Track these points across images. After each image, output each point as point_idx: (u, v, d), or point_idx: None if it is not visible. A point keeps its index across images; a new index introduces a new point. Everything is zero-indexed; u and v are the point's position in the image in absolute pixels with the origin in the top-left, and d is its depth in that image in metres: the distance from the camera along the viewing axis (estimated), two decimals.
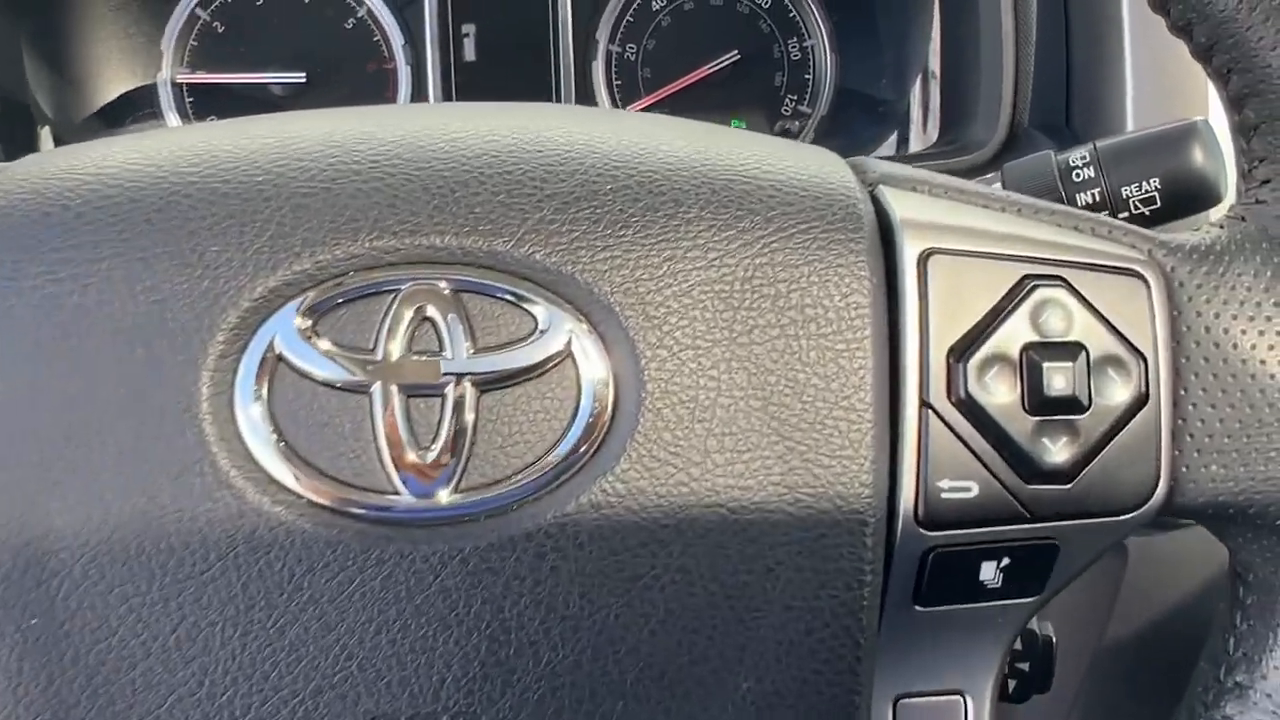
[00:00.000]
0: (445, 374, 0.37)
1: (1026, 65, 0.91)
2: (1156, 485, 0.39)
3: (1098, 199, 0.50)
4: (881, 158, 1.18)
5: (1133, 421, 0.38)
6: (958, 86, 1.09)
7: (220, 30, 1.21)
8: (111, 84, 1.21)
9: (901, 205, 0.39)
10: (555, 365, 0.37)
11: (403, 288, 0.38)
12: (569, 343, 0.37)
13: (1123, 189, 0.49)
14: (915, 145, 1.19)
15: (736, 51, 1.25)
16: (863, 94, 1.27)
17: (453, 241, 0.38)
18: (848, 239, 0.38)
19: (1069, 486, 0.38)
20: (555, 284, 0.38)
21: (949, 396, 0.37)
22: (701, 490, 0.36)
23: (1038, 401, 0.37)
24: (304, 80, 1.22)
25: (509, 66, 1.25)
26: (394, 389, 0.37)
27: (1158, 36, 0.46)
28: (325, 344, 0.38)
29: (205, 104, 1.21)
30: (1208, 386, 0.38)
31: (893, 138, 1.25)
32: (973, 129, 1.04)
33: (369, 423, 0.36)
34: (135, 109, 1.21)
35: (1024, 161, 0.55)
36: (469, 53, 1.25)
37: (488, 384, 0.37)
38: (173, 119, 1.21)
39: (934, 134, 1.16)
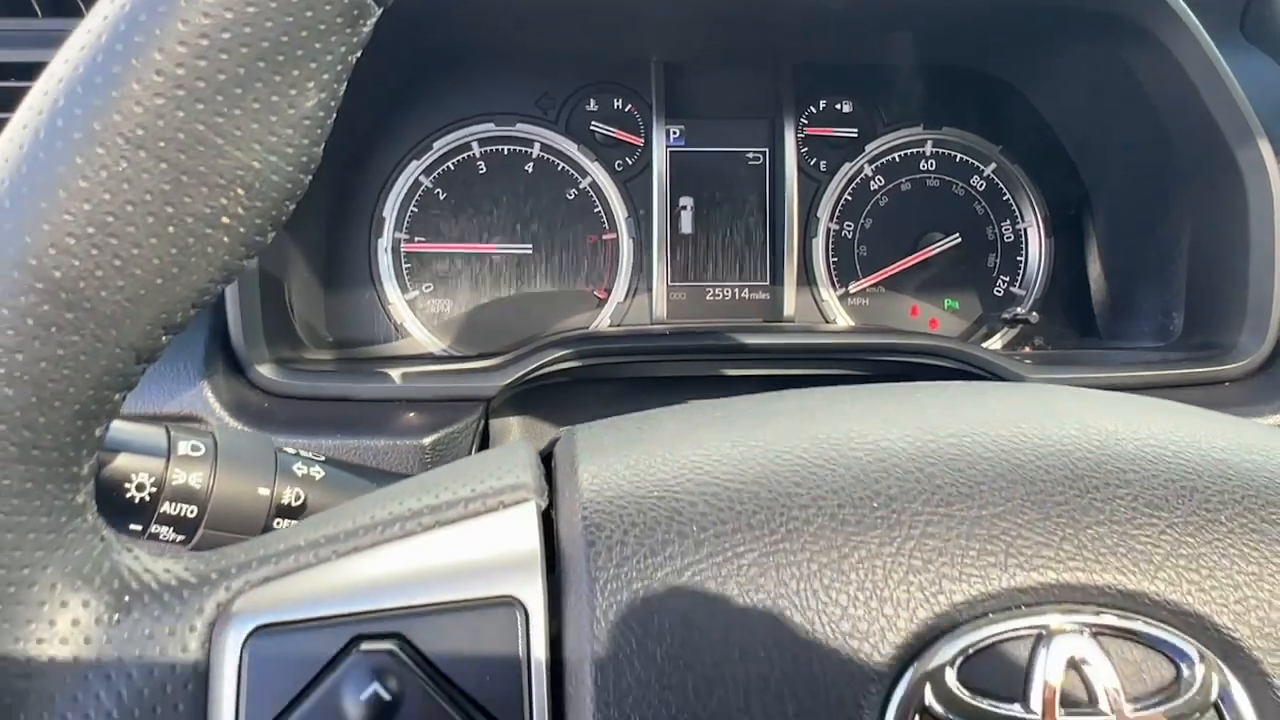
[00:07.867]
0: None
1: None
2: None
3: None
4: (1122, 347, 1.17)
5: None
6: (1210, 291, 1.07)
7: (442, 197, 1.22)
8: (324, 245, 1.21)
9: None
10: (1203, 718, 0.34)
11: (1043, 632, 0.35)
12: (1217, 694, 0.34)
13: None
14: (1138, 338, 1.17)
15: (959, 235, 1.25)
16: (1078, 280, 1.26)
17: (1087, 579, 0.35)
18: None
19: None
20: (1194, 628, 0.35)
21: None
22: None
23: None
24: (529, 251, 1.23)
25: (724, 240, 1.25)
26: None
27: None
28: (971, 696, 0.35)
29: (420, 271, 1.22)
30: None
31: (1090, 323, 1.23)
32: (1228, 334, 1.02)
33: None
34: (349, 272, 1.22)
35: None
36: (685, 225, 1.25)
37: None
38: (390, 289, 1.21)
39: (1164, 329, 1.14)
